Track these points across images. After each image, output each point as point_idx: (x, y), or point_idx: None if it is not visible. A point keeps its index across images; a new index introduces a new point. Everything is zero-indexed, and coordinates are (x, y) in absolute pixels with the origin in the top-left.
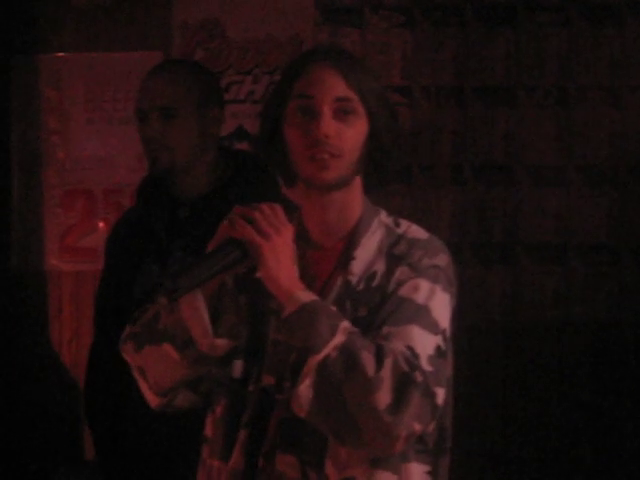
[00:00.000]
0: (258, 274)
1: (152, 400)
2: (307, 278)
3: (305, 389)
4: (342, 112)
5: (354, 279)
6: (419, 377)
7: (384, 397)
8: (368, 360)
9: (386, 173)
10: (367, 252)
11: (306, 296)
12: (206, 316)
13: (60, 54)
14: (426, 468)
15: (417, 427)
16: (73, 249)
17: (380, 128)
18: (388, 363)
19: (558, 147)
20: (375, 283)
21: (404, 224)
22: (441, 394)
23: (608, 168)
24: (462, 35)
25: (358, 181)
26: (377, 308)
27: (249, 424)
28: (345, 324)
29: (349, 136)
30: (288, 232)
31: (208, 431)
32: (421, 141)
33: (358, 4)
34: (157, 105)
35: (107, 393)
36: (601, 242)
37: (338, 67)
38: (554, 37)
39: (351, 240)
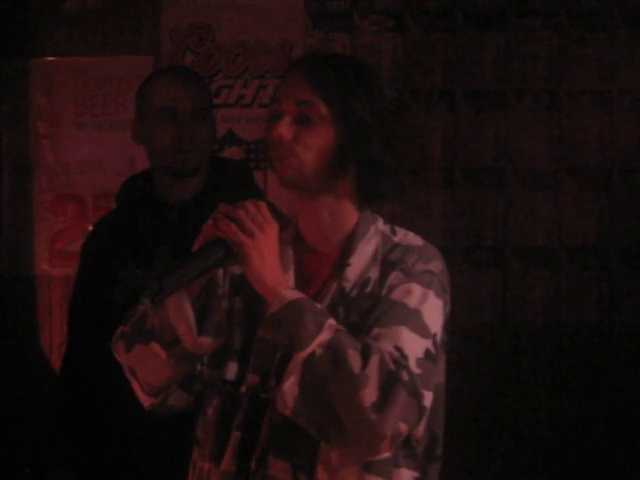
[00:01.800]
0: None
1: (144, 400)
2: (302, 282)
3: (290, 387)
4: (303, 116)
5: (348, 285)
6: (405, 376)
7: (369, 395)
8: (354, 357)
9: (377, 185)
10: (362, 259)
11: (292, 294)
12: (191, 315)
13: (50, 58)
14: (415, 474)
15: (403, 427)
16: (63, 254)
17: (356, 136)
18: (374, 361)
19: (548, 151)
20: (368, 289)
21: (401, 232)
22: (428, 397)
23: (598, 172)
24: (452, 39)
25: (347, 188)
26: (369, 313)
27: (241, 427)
28: (331, 321)
29: (307, 139)
30: (273, 230)
31: (199, 432)
32: (411, 145)
33: (348, 8)
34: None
35: (82, 397)
36: (591, 246)
37: (305, 73)
38: (544, 41)
39: (347, 246)
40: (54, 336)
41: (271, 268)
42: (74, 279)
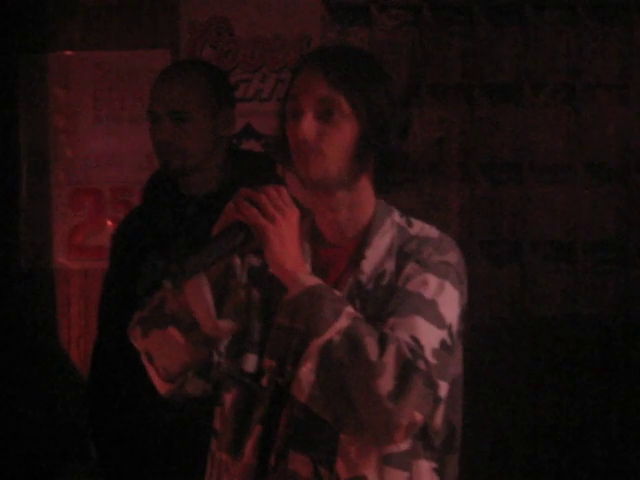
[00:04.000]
0: (264, 256)
1: (161, 387)
2: (319, 275)
3: (307, 372)
4: (325, 113)
5: (364, 278)
6: (422, 365)
7: (386, 383)
8: (371, 345)
9: (394, 175)
10: (378, 252)
11: (310, 279)
12: (210, 299)
13: (68, 53)
14: (433, 465)
15: (418, 417)
16: (81, 247)
17: (377, 128)
18: (391, 349)
19: (566, 145)
20: (384, 282)
21: (417, 224)
22: (444, 387)
23: (616, 166)
24: (470, 33)
25: (365, 182)
26: (385, 304)
27: (263, 420)
28: (349, 309)
29: (332, 136)
30: (293, 214)
31: (217, 424)
32: (429, 139)
33: (366, 3)
34: (170, 109)
35: (110, 391)
36: (609, 239)
37: (324, 69)
38: (562, 35)
39: (363, 239)
40: (72, 329)
41: (291, 253)
42: (104, 274)
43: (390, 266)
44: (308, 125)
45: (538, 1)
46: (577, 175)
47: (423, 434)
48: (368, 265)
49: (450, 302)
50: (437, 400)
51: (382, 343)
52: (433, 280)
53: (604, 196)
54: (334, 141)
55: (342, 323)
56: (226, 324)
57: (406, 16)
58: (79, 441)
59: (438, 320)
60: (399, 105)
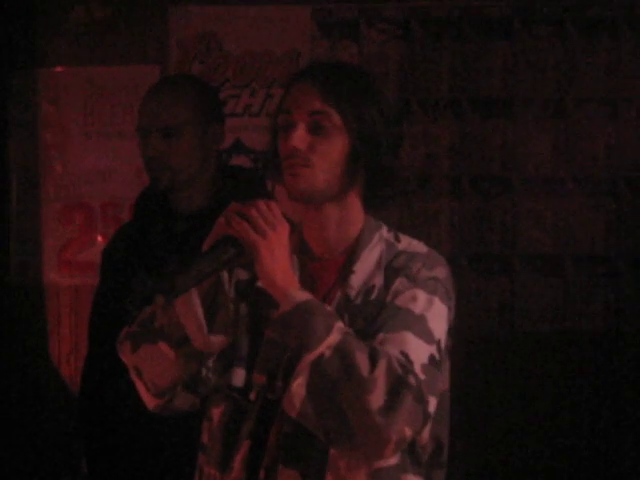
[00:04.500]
0: (255, 271)
1: (150, 401)
2: (307, 290)
3: (298, 388)
4: (317, 125)
5: (353, 293)
6: (412, 381)
7: (377, 398)
8: (362, 360)
9: (383, 190)
10: (366, 266)
11: (301, 295)
12: (201, 313)
13: (58, 68)
14: None
15: (408, 432)
16: (72, 263)
17: (368, 143)
18: (382, 364)
19: (555, 159)
20: (373, 297)
21: (405, 240)
22: (433, 403)
23: (605, 179)
24: (459, 47)
25: (354, 197)
26: (374, 320)
27: (252, 435)
28: (340, 324)
29: (322, 148)
30: (284, 229)
31: (205, 438)
32: (418, 153)
33: (355, 17)
34: (158, 125)
35: (101, 407)
36: (598, 253)
37: (316, 83)
38: (550, 49)
39: (351, 254)
40: (62, 345)
41: (282, 268)
42: (94, 289)
43: (379, 281)
44: (299, 136)
45: (527, 15)
46: (566, 189)
47: (411, 449)
48: (357, 280)
49: (439, 317)
50: (426, 415)
51: (373, 358)
52: (422, 295)
53: (593, 209)
54: (325, 154)
55: (333, 338)
56: (217, 339)
57: (395, 30)
58: (70, 457)
59: (427, 335)
60: (391, 121)
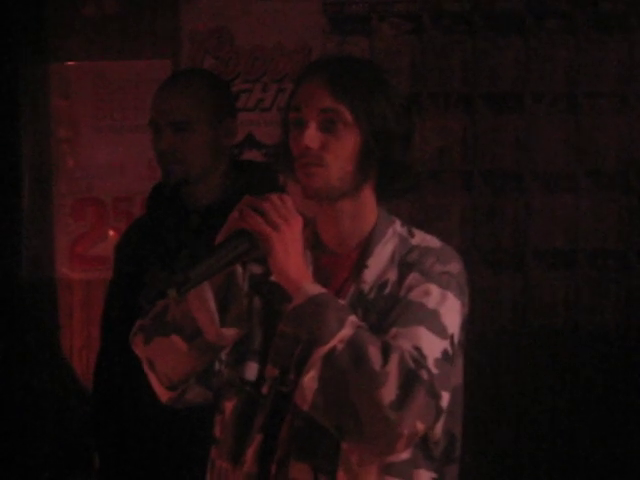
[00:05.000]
0: (269, 264)
1: (162, 394)
2: (320, 284)
3: (310, 381)
4: (328, 123)
5: (366, 287)
6: (425, 375)
7: (389, 392)
8: (375, 354)
9: (396, 185)
10: (380, 261)
11: (315, 288)
12: (213, 306)
13: (69, 63)
14: (433, 475)
15: (420, 427)
16: (84, 257)
17: (379, 139)
18: (394, 358)
19: (567, 153)
20: (387, 291)
21: (418, 234)
22: (446, 398)
23: (617, 174)
24: (471, 42)
25: (368, 192)
26: (387, 314)
27: (264, 429)
28: (353, 318)
29: (335, 146)
30: (297, 223)
31: (217, 432)
32: (430, 148)
33: (367, 12)
34: (170, 119)
35: (114, 401)
36: (610, 248)
37: (326, 80)
38: (562, 44)
39: (365, 249)
40: (75, 340)
41: (295, 261)
42: (108, 284)
43: (392, 276)
44: (312, 135)
45: (538, 11)
46: (578, 183)
47: (423, 444)
48: (370, 274)
49: (452, 312)
50: (439, 410)
51: (385, 352)
52: (435, 290)
53: (606, 204)
54: (337, 152)
55: (346, 332)
56: (229, 332)
57: (406, 25)
58: (82, 452)
59: (440, 330)
60: (402, 115)
